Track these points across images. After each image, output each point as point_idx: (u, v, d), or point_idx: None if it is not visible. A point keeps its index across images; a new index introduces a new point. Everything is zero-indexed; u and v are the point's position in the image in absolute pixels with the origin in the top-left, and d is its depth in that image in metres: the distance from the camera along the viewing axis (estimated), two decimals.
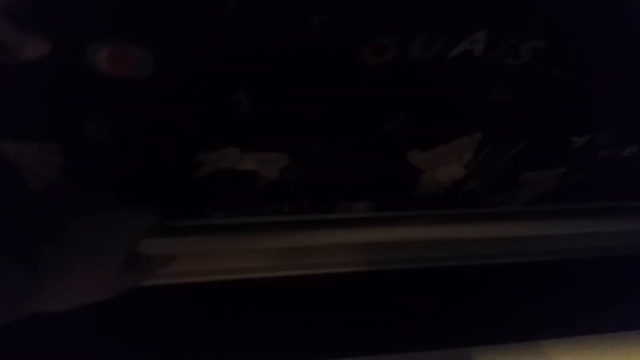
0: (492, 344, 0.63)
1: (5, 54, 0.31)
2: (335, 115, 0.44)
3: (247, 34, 0.33)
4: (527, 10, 0.35)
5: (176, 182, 0.50)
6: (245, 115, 0.40)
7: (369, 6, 0.34)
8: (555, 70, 0.42)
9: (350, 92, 0.39)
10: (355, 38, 0.35)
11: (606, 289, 0.73)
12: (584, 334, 0.68)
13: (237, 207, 0.59)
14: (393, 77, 0.39)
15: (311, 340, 0.61)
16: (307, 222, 0.63)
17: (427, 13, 0.34)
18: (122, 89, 0.36)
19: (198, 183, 0.51)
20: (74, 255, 0.38)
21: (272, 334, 0.61)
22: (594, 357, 0.66)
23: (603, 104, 0.48)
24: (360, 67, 0.37)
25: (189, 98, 0.39)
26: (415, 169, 0.57)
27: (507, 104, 0.46)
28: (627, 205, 0.69)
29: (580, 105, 0.47)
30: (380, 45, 0.36)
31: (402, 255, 0.71)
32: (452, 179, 0.60)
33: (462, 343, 0.64)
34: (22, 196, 0.43)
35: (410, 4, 0.34)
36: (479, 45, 0.37)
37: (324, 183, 0.58)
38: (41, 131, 0.40)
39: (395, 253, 0.71)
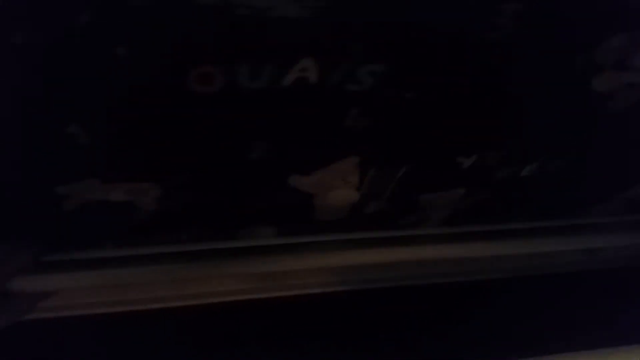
0: None
1: None
2: (190, 144, 0.42)
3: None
4: (352, 36, 0.33)
5: (45, 216, 0.48)
6: (88, 147, 0.38)
7: (187, 35, 0.32)
8: (407, 94, 0.41)
9: (189, 120, 0.37)
10: (176, 67, 0.33)
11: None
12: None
13: (126, 237, 0.57)
14: (233, 106, 0.37)
15: None
16: (209, 251, 0.60)
17: (247, 41, 0.32)
18: None
19: (70, 215, 0.49)
20: None
21: None
22: None
23: (479, 125, 0.47)
24: (190, 95, 0.35)
25: (28, 133, 0.38)
26: (305, 194, 0.55)
27: (371, 128, 0.44)
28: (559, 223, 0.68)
29: (452, 127, 0.46)
30: (205, 74, 0.34)
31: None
32: (349, 202, 0.59)
33: None
34: None
35: (231, 32, 0.32)
36: (311, 72, 0.35)
37: (213, 210, 0.56)
38: None
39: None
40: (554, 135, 0.50)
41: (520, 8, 0.33)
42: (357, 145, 0.46)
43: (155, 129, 0.38)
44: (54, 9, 0.28)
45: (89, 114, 0.35)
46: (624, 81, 0.43)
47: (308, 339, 0.62)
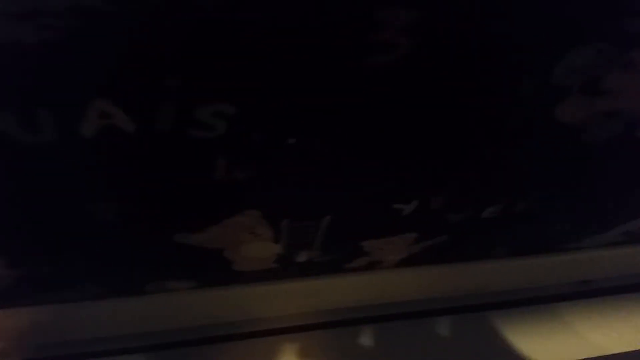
0: None
1: None
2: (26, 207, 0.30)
3: None
4: (153, 68, 0.21)
5: None
6: None
7: None
8: (290, 139, 0.28)
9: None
10: None
11: None
12: None
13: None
14: (69, 161, 0.25)
15: None
16: None
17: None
18: None
19: None
20: None
21: None
22: None
23: (405, 169, 0.34)
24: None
25: None
26: (208, 249, 0.43)
27: (258, 179, 0.32)
28: None
29: (369, 173, 0.33)
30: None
31: None
32: (271, 253, 0.47)
33: None
34: None
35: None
36: (118, 119, 0.23)
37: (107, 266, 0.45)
38: None
39: None
40: (511, 175, 0.37)
41: (415, 18, 0.20)
42: (247, 198, 0.34)
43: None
44: None
45: None
46: (598, 109, 0.29)
47: None
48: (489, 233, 0.50)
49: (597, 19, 0.25)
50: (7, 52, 0.20)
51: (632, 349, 0.60)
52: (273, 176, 0.32)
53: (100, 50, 0.23)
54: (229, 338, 0.59)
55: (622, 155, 0.37)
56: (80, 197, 0.32)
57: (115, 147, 0.26)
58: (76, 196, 0.32)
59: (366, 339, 0.60)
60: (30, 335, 0.55)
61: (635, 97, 0.30)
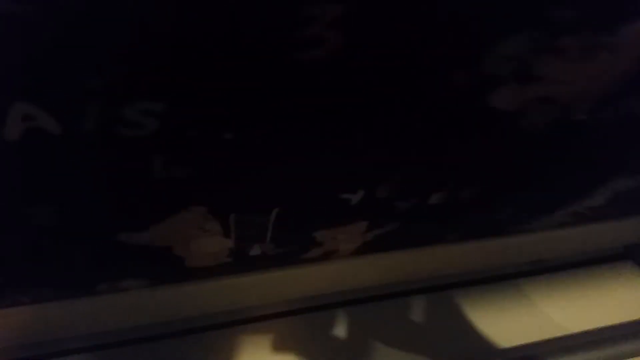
0: None
1: None
2: None
3: None
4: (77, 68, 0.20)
5: None
6: None
7: None
8: (226, 135, 0.27)
9: None
10: None
11: None
12: None
13: None
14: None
15: None
16: None
17: None
18: None
19: None
20: None
21: None
22: None
23: (345, 159, 0.34)
24: None
25: None
26: (156, 247, 0.42)
27: (197, 176, 0.31)
28: None
29: (308, 165, 0.33)
30: None
31: None
32: (223, 247, 0.46)
33: None
34: None
35: None
36: (43, 120, 0.22)
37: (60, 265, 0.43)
38: None
39: None
40: (454, 161, 0.37)
41: (342, 13, 0.20)
42: (190, 195, 0.33)
43: None
44: None
45: None
46: (532, 95, 0.30)
47: None
48: (440, 219, 0.51)
49: (524, 8, 0.25)
50: None
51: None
52: (214, 172, 0.32)
53: (20, 53, 0.22)
54: (187, 332, 0.58)
55: (560, 139, 0.38)
56: (16, 201, 0.31)
57: (43, 149, 0.25)
58: (11, 201, 0.30)
59: (328, 325, 0.60)
60: None
61: (567, 83, 0.31)
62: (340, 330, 0.58)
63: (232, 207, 0.39)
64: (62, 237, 0.36)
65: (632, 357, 0.55)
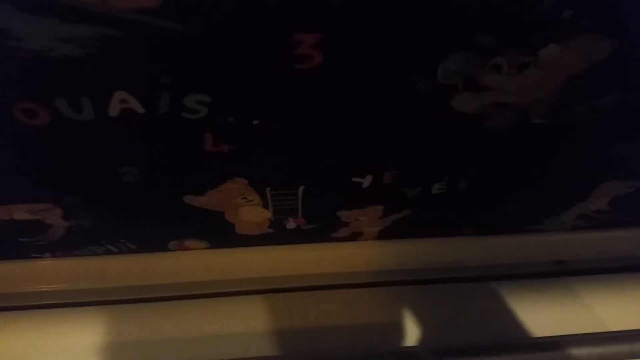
0: None
1: None
2: (67, 169, 0.45)
3: None
4: (152, 69, 0.34)
5: None
6: None
7: None
8: (254, 121, 0.41)
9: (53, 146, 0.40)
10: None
11: None
12: None
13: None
14: (81, 135, 0.39)
15: None
16: None
17: (43, 79, 0.34)
18: None
19: None
20: None
21: None
22: None
23: (353, 146, 0.46)
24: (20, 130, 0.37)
25: None
26: (215, 211, 0.56)
27: (237, 152, 0.45)
28: None
29: (324, 148, 0.45)
30: (29, 110, 0.37)
31: None
32: (264, 218, 0.59)
33: None
34: None
35: (19, 72, 0.34)
36: (133, 104, 0.37)
37: (131, 226, 0.58)
38: None
39: None
40: (441, 156, 0.48)
41: (320, 38, 0.33)
42: (233, 167, 0.47)
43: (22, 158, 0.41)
44: None
45: None
46: (487, 101, 0.40)
47: None
48: (448, 209, 0.60)
49: (458, 34, 0.36)
50: None
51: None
52: (249, 149, 0.45)
53: (122, 60, 0.36)
54: (236, 293, 0.71)
55: (529, 141, 0.47)
56: (113, 161, 0.46)
57: (133, 124, 0.40)
58: (110, 160, 0.45)
59: (355, 301, 0.70)
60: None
61: (515, 92, 0.41)
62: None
63: (267, 182, 0.52)
64: (144, 194, 0.51)
65: None
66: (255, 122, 0.40)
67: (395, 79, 0.36)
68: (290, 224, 0.60)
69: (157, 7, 0.30)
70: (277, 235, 0.62)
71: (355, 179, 0.50)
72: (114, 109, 0.37)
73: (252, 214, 0.57)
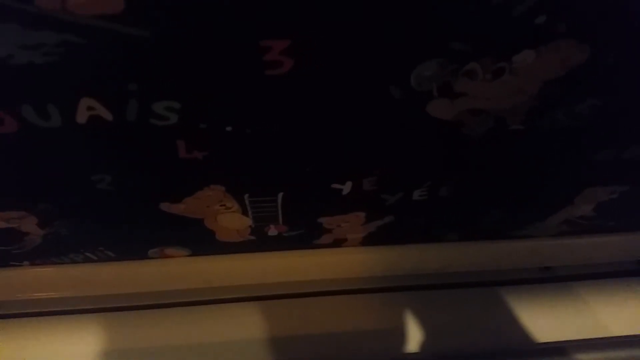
0: None
1: None
2: (39, 178, 0.44)
3: None
4: (118, 75, 0.33)
5: None
6: None
7: None
8: (227, 127, 0.40)
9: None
10: None
11: None
12: None
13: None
14: (48, 143, 0.38)
15: None
16: None
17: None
18: None
19: None
20: None
21: None
22: None
23: (329, 153, 0.46)
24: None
25: None
26: (194, 218, 0.55)
27: (211, 159, 0.44)
28: None
29: (298, 155, 0.45)
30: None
31: None
32: (245, 225, 0.59)
33: None
34: None
35: None
36: (101, 111, 0.36)
37: (108, 234, 0.58)
38: None
39: None
40: (420, 162, 0.48)
41: (288, 45, 0.32)
42: (209, 174, 0.46)
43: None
44: None
45: None
46: (463, 107, 0.40)
47: None
48: (431, 215, 0.60)
49: (431, 40, 0.36)
50: None
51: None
52: (224, 156, 0.44)
53: (87, 67, 0.35)
54: (215, 302, 0.70)
55: (502, 148, 0.47)
56: (85, 169, 0.45)
57: (101, 131, 0.39)
58: (82, 169, 0.45)
59: (337, 309, 0.69)
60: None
61: (491, 98, 0.41)
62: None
63: (245, 188, 0.51)
64: (119, 201, 0.50)
65: None
66: (229, 128, 0.39)
67: (369, 85, 0.36)
68: (272, 231, 0.59)
69: (119, 13, 0.29)
70: (259, 242, 0.62)
71: (334, 186, 0.50)
72: (81, 116, 0.36)
73: (231, 221, 0.56)
